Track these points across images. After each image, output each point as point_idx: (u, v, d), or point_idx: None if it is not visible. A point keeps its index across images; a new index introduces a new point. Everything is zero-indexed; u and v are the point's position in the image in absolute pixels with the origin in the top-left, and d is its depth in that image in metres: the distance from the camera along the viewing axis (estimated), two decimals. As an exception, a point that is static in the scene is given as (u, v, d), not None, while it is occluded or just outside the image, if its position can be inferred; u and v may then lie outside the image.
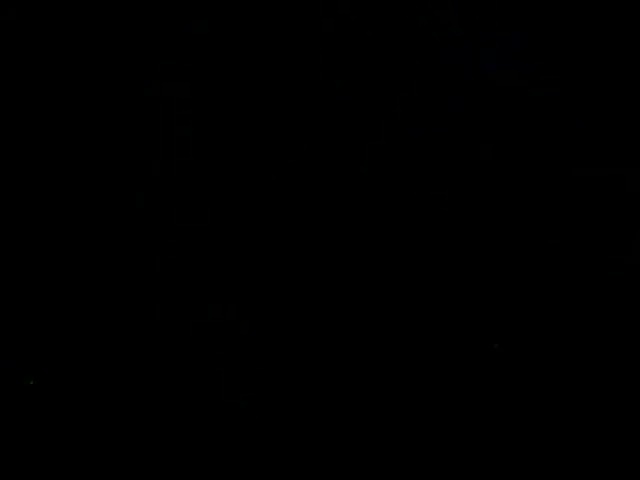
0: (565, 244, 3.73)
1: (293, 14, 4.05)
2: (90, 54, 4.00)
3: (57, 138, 3.85)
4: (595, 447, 3.42)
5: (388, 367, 3.61)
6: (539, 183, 3.82)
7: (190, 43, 4.01)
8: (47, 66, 3.97)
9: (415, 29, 4.02)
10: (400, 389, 3.57)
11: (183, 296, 3.63)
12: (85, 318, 3.57)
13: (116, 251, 3.68)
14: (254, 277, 3.67)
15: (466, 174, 3.86)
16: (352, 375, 3.60)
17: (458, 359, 3.59)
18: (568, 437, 3.44)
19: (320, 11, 4.04)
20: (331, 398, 3.56)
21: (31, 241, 3.68)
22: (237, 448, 3.45)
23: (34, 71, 3.97)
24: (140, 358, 3.52)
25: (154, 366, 3.51)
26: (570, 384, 3.51)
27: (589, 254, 3.70)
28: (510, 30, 4.05)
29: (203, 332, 3.59)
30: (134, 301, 3.60)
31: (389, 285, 3.71)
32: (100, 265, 3.65)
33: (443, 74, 3.99)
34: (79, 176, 3.80)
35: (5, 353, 3.52)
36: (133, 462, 3.38)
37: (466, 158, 3.87)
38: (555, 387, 3.51)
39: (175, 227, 3.73)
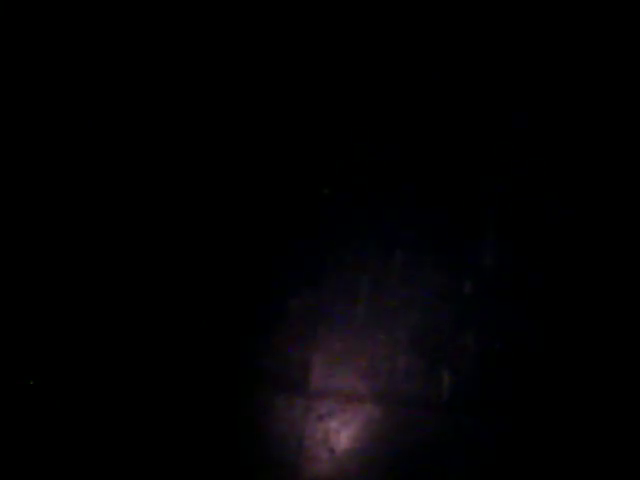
0: (565, 243, 3.73)
1: (293, 14, 4.06)
2: (90, 54, 4.01)
3: (57, 138, 3.86)
4: (596, 447, 3.42)
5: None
6: (540, 183, 3.82)
7: (190, 43, 4.02)
8: (47, 66, 3.98)
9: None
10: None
11: (183, 296, 3.64)
12: (85, 318, 3.57)
13: (115, 251, 3.69)
14: (254, 277, 3.68)
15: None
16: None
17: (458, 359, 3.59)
18: (568, 436, 3.44)
19: (320, 11, 4.05)
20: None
21: (30, 241, 3.69)
22: (237, 448, 3.45)
23: (34, 71, 3.97)
24: (140, 358, 3.53)
25: (154, 366, 3.52)
26: (570, 384, 3.51)
27: (589, 254, 3.71)
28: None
29: (203, 332, 3.59)
30: (134, 301, 3.61)
31: (389, 285, 3.71)
32: (100, 265, 3.66)
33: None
34: (79, 176, 3.80)
35: (5, 353, 3.52)
36: (133, 462, 3.39)
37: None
38: (555, 387, 3.51)
39: (175, 227, 3.73)
